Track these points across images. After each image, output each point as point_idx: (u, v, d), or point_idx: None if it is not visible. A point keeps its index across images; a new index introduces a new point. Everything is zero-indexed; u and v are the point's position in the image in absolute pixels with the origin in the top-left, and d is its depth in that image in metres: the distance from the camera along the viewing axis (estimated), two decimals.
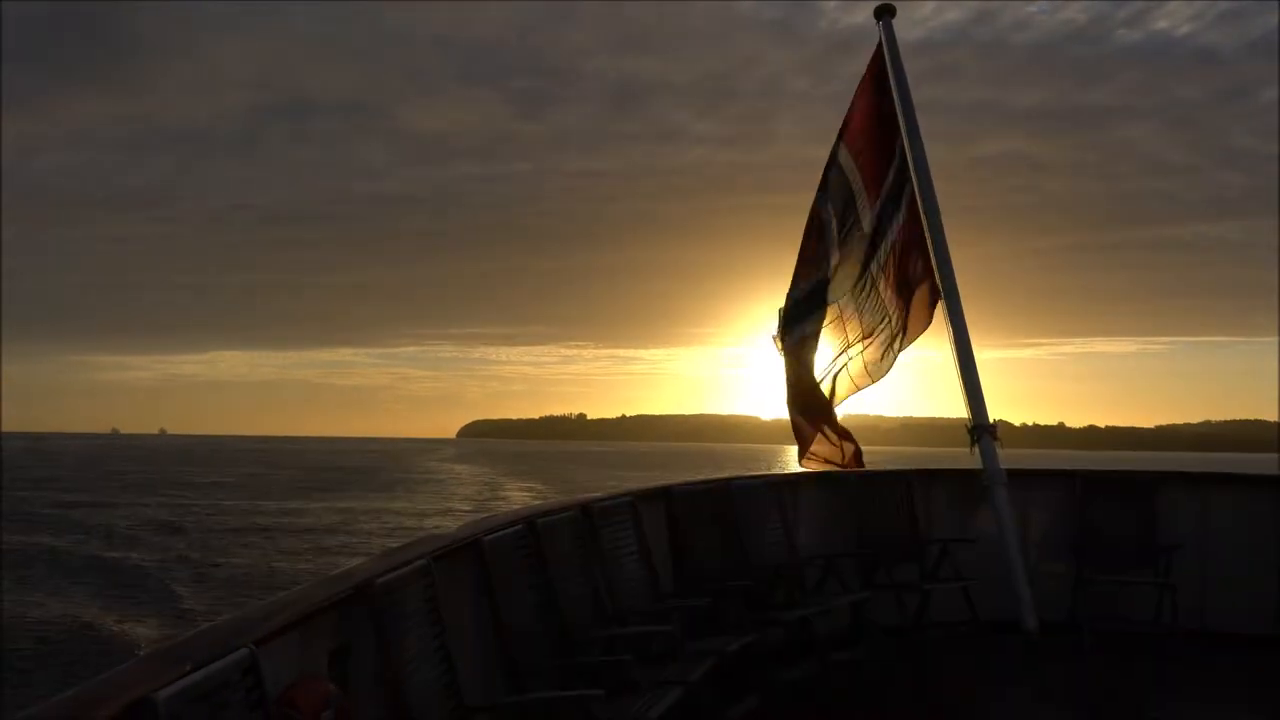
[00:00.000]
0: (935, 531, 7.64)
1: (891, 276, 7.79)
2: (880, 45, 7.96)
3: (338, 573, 3.60)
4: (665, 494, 6.45)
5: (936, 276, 7.51)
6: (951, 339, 7.42)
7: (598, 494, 6.09)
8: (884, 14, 7.97)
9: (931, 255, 7.58)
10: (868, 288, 7.86)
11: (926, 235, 7.62)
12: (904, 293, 7.73)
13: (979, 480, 7.16)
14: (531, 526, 4.83)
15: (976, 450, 7.22)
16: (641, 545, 5.79)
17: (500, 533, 4.54)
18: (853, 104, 8.00)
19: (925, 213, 7.62)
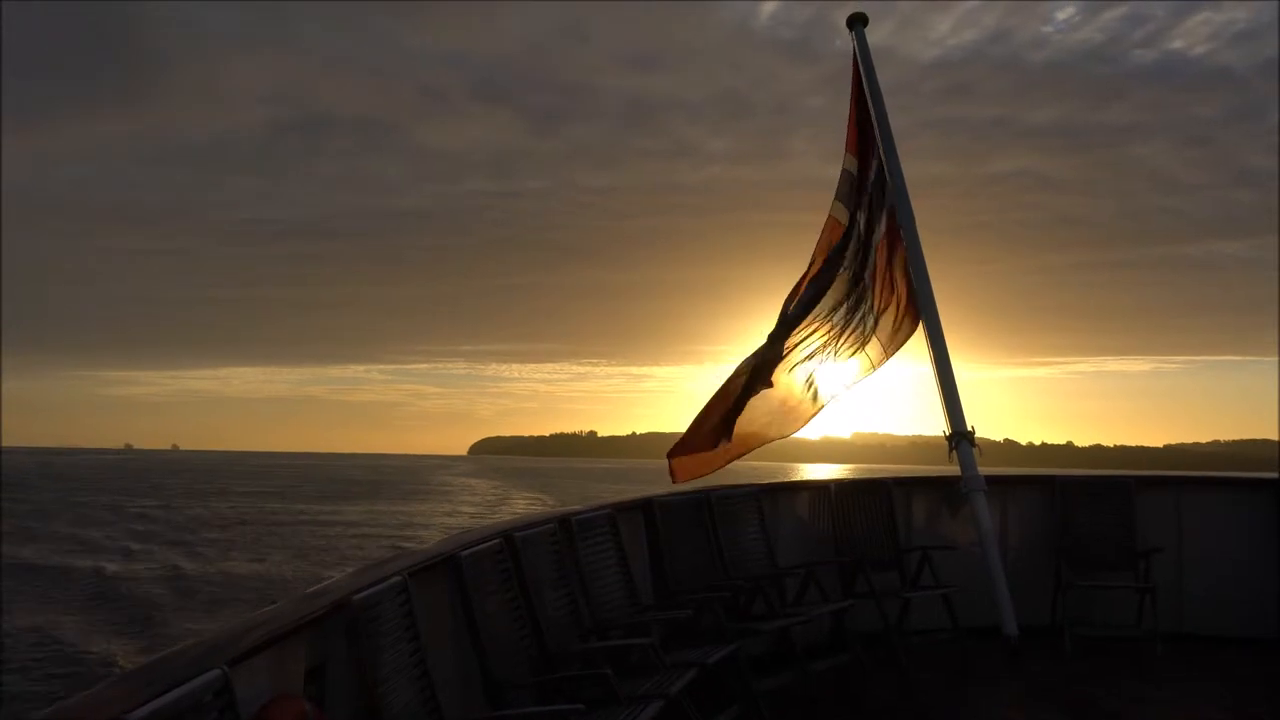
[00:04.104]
0: (915, 539, 7.66)
1: (879, 289, 7.74)
2: (855, 55, 8.00)
3: (313, 590, 3.57)
4: (645, 505, 6.44)
5: (913, 284, 7.53)
6: (929, 348, 7.44)
7: (576, 506, 6.07)
8: (856, 23, 8.01)
9: (909, 265, 7.60)
10: (859, 298, 7.75)
11: (902, 244, 7.64)
12: (889, 300, 7.68)
13: (958, 487, 7.18)
14: (509, 540, 4.81)
15: (955, 457, 7.24)
16: (621, 557, 5.78)
17: (478, 547, 4.52)
18: (850, 117, 7.98)
19: (901, 223, 7.64)
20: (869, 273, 7.70)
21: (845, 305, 7.64)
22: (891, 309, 7.71)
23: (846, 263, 7.58)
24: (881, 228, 7.74)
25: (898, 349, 7.72)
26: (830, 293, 7.57)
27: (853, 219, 7.72)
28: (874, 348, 7.67)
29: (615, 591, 5.64)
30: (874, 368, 7.66)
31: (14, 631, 19.10)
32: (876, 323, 7.67)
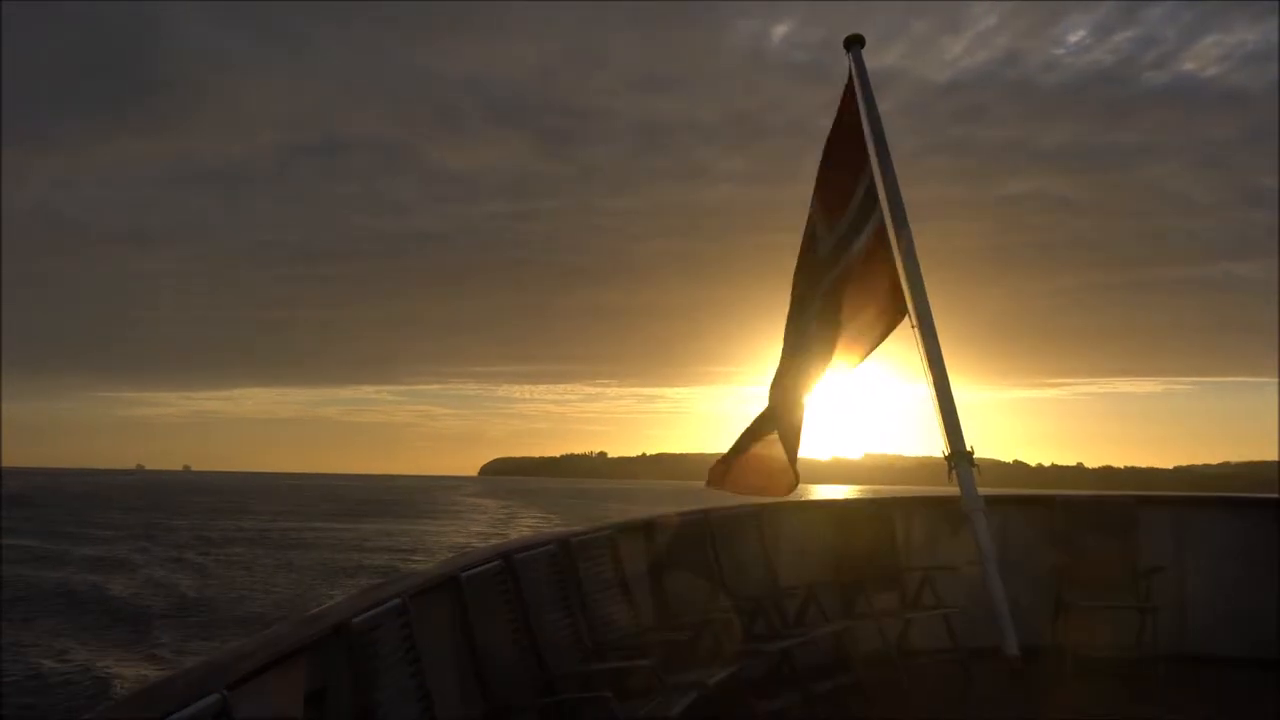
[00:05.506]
0: (916, 559, 7.65)
1: (850, 295, 7.70)
2: (851, 76, 8.03)
3: (312, 613, 3.56)
4: (645, 526, 6.44)
5: (911, 307, 7.53)
6: (926, 367, 7.44)
7: (577, 527, 6.08)
8: (853, 44, 8.06)
9: (905, 285, 7.60)
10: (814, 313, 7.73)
11: (899, 265, 7.65)
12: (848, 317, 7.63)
13: (958, 507, 7.17)
14: (509, 562, 4.81)
15: (954, 477, 7.23)
16: (621, 578, 5.78)
17: (477, 569, 4.52)
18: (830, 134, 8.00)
19: (898, 242, 7.65)
20: (833, 277, 7.66)
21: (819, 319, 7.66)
22: (867, 311, 7.68)
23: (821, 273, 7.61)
24: (863, 240, 7.72)
25: (873, 347, 7.67)
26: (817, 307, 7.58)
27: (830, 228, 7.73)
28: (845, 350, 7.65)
29: (616, 613, 5.63)
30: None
31: (14, 646, 19.08)
32: (843, 328, 7.64)
